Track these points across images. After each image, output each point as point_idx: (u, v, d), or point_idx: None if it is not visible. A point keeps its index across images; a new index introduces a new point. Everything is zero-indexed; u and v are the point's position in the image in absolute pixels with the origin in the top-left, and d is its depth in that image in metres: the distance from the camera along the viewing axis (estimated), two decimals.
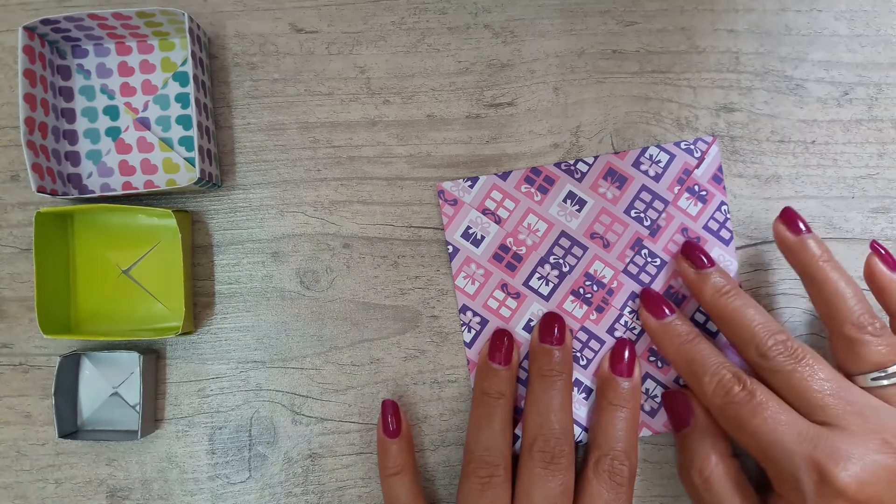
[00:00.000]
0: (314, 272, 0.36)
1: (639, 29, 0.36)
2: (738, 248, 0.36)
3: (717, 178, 0.35)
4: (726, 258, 0.35)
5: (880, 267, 0.31)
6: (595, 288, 0.35)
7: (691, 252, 0.34)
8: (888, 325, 0.31)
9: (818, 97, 0.36)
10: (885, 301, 0.31)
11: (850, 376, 0.31)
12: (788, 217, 0.33)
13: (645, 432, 0.35)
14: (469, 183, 0.35)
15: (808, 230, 0.32)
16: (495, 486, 0.32)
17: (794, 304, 0.36)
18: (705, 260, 0.33)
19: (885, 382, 0.30)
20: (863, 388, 0.30)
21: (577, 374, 0.35)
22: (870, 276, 0.31)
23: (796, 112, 0.36)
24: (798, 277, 0.33)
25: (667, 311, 0.33)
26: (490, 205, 0.35)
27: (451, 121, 0.36)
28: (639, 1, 0.36)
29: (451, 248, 0.35)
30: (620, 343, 0.35)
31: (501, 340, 0.34)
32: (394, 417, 0.34)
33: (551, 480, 0.32)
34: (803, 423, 0.29)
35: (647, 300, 0.34)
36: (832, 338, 0.31)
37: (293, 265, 0.36)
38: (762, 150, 0.36)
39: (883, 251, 0.31)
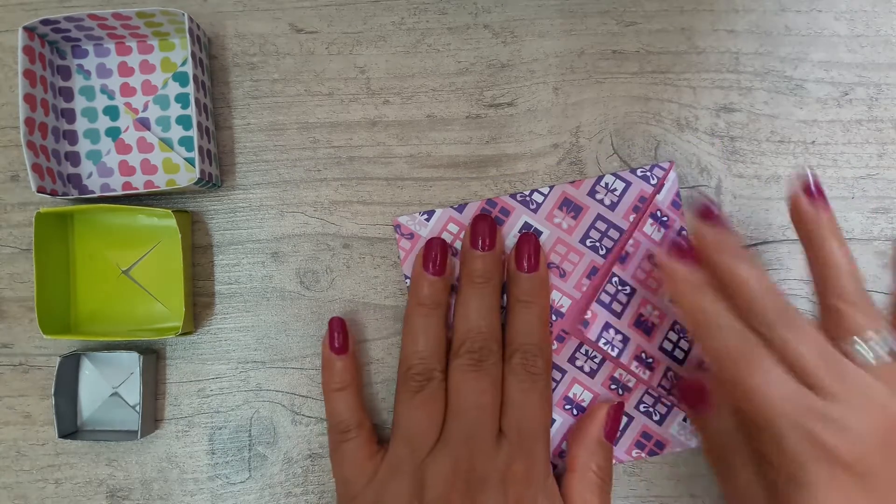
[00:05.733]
0: (314, 272, 0.36)
1: (639, 29, 0.36)
2: None
3: (676, 204, 0.35)
4: None
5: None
6: (553, 318, 0.35)
7: (699, 208, 0.33)
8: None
9: (818, 97, 0.36)
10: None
11: (835, 342, 0.31)
12: (806, 184, 0.33)
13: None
14: (425, 217, 0.35)
15: (823, 198, 0.32)
16: (431, 388, 0.33)
17: (795, 304, 0.36)
18: (713, 217, 0.32)
19: (869, 350, 0.30)
20: (848, 356, 0.30)
21: None
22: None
23: (796, 112, 0.36)
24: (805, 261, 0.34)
25: (690, 258, 0.32)
26: (447, 237, 0.35)
27: (451, 121, 0.36)
28: (639, 1, 0.36)
29: (408, 282, 0.35)
30: (523, 238, 0.34)
31: (434, 250, 0.34)
32: (340, 334, 0.34)
33: (481, 379, 0.32)
34: (796, 389, 0.29)
35: (674, 249, 0.32)
36: (820, 305, 0.33)
37: (293, 265, 0.36)
38: (762, 150, 0.36)
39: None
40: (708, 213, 0.32)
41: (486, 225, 0.34)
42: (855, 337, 0.30)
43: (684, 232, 0.35)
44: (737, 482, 0.31)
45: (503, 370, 0.33)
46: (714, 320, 0.31)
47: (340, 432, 0.33)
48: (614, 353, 0.34)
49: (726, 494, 0.32)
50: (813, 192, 0.32)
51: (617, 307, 0.35)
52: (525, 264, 0.34)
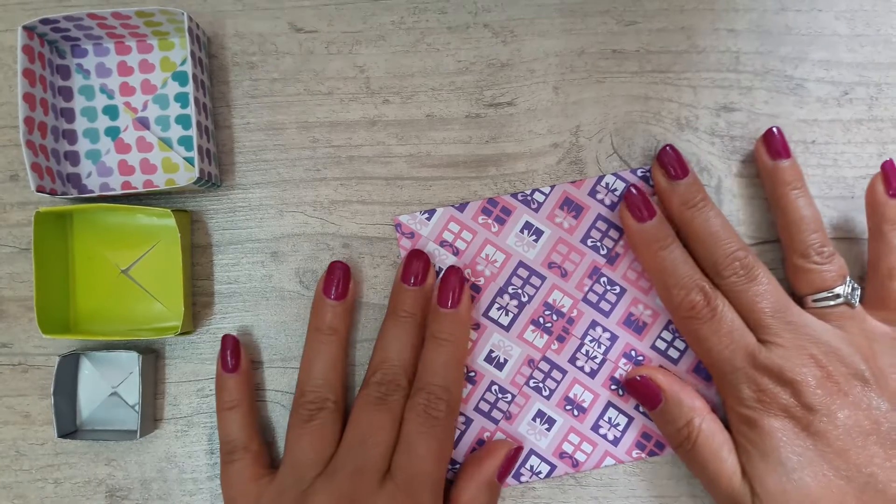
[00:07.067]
0: (314, 272, 0.36)
1: (639, 29, 0.36)
2: None
3: None
4: None
5: (879, 188, 0.33)
6: (555, 317, 0.35)
7: (666, 160, 0.33)
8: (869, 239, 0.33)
9: (818, 97, 0.36)
10: (870, 218, 0.33)
11: (799, 297, 0.33)
12: (770, 140, 0.34)
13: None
14: (426, 216, 0.35)
15: (787, 155, 0.33)
16: (322, 417, 0.32)
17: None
18: (678, 170, 0.33)
19: (830, 303, 0.32)
20: (809, 308, 0.32)
21: (540, 404, 0.35)
22: (868, 193, 0.33)
23: (796, 112, 0.36)
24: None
25: (646, 213, 0.33)
26: (448, 237, 0.35)
27: (451, 120, 0.36)
28: (639, 1, 0.36)
29: None
30: (449, 272, 0.34)
31: (336, 274, 0.34)
32: (232, 353, 0.34)
33: (382, 413, 0.32)
34: (751, 342, 0.31)
35: (630, 200, 0.33)
36: (786, 262, 0.34)
37: (293, 265, 0.36)
38: None
39: (890, 175, 0.33)
40: (669, 167, 0.33)
41: (420, 262, 0.34)
42: (813, 296, 0.32)
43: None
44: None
45: (405, 407, 0.32)
46: (670, 272, 0.32)
47: (227, 452, 0.33)
48: (601, 351, 0.35)
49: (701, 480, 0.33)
50: (776, 147, 0.33)
51: (605, 306, 0.35)
52: (445, 300, 0.33)
